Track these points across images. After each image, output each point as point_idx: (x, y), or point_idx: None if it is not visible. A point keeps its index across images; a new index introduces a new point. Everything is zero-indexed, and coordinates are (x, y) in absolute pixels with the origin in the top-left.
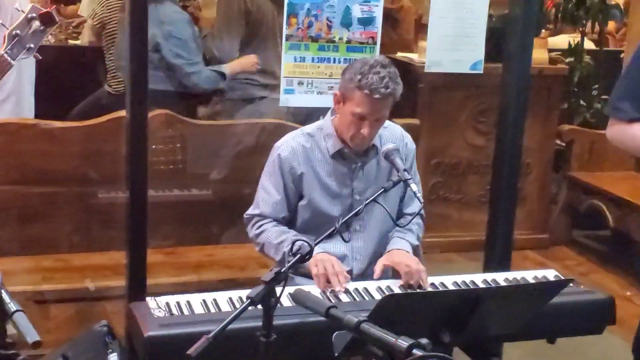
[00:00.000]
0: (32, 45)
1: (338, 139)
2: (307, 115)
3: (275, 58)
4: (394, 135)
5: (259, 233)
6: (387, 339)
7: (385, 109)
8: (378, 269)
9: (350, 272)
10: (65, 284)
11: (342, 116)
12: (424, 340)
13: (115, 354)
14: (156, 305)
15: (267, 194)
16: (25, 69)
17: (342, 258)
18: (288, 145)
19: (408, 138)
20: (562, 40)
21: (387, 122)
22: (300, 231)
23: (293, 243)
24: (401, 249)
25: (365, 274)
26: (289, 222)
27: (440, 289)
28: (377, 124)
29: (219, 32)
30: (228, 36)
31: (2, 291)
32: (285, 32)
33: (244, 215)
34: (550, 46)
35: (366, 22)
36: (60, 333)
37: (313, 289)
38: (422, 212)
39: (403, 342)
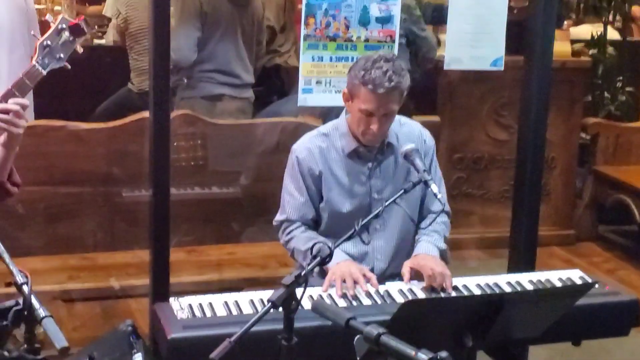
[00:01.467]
0: (62, 55)
1: (353, 137)
2: None
3: (236, 58)
4: (412, 132)
5: (289, 240)
6: (407, 352)
7: (392, 103)
8: (406, 272)
9: (371, 270)
10: (91, 282)
11: (352, 113)
12: (443, 354)
13: (139, 353)
14: (179, 306)
15: (292, 197)
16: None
17: (362, 258)
18: (304, 146)
19: (427, 135)
20: (586, 31)
21: (405, 119)
22: (322, 233)
23: (313, 246)
24: (427, 254)
25: (386, 274)
26: (317, 222)
27: (464, 291)
28: (386, 119)
29: (175, 34)
30: (183, 38)
31: (32, 297)
32: (303, 32)
33: (273, 222)
34: (573, 36)
35: (384, 20)
36: (86, 331)
37: (334, 290)
38: (448, 209)
39: (422, 356)
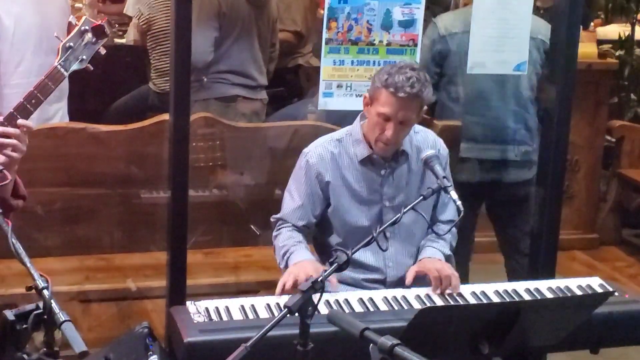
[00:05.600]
0: (84, 57)
1: (367, 144)
2: None
3: (251, 60)
4: (426, 141)
5: (276, 236)
6: None
7: (410, 110)
8: (410, 276)
9: (384, 279)
10: (107, 284)
11: (369, 118)
12: None
13: (155, 356)
14: (196, 310)
15: (291, 199)
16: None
17: (375, 266)
18: (316, 151)
19: (441, 144)
20: (613, 30)
21: (419, 127)
22: (334, 242)
23: (331, 251)
24: (432, 257)
25: (402, 281)
26: (318, 227)
27: (482, 298)
28: (402, 127)
29: (192, 34)
30: (201, 38)
31: (52, 302)
32: (324, 36)
33: (270, 219)
34: (600, 37)
35: (407, 24)
36: (103, 331)
37: (350, 295)
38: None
39: None
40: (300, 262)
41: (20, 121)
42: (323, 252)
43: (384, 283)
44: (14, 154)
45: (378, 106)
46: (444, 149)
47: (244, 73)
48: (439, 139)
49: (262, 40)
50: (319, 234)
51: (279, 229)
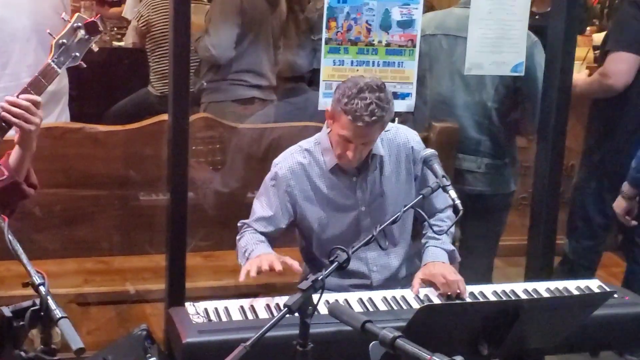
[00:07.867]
0: (77, 54)
1: (335, 153)
2: None
3: (267, 60)
4: (397, 138)
5: (239, 239)
6: (422, 356)
7: (371, 135)
8: (416, 284)
9: (370, 284)
10: (106, 286)
11: (332, 133)
12: (458, 358)
13: (154, 358)
14: (195, 311)
15: (261, 208)
16: None
17: (360, 272)
18: (286, 163)
19: (414, 141)
20: None
21: (390, 125)
22: (317, 248)
23: (331, 250)
24: (436, 261)
25: (388, 285)
26: (303, 235)
27: (480, 298)
28: (364, 147)
29: (215, 30)
30: (224, 34)
31: (49, 298)
32: (324, 35)
33: (238, 223)
34: (596, 43)
35: (405, 24)
36: (101, 335)
37: (350, 295)
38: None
39: None
40: (262, 254)
41: (24, 95)
42: (309, 260)
43: (370, 287)
44: (26, 126)
45: (338, 127)
46: (418, 145)
47: (260, 73)
48: (412, 134)
49: (275, 40)
50: (304, 243)
51: (243, 232)
